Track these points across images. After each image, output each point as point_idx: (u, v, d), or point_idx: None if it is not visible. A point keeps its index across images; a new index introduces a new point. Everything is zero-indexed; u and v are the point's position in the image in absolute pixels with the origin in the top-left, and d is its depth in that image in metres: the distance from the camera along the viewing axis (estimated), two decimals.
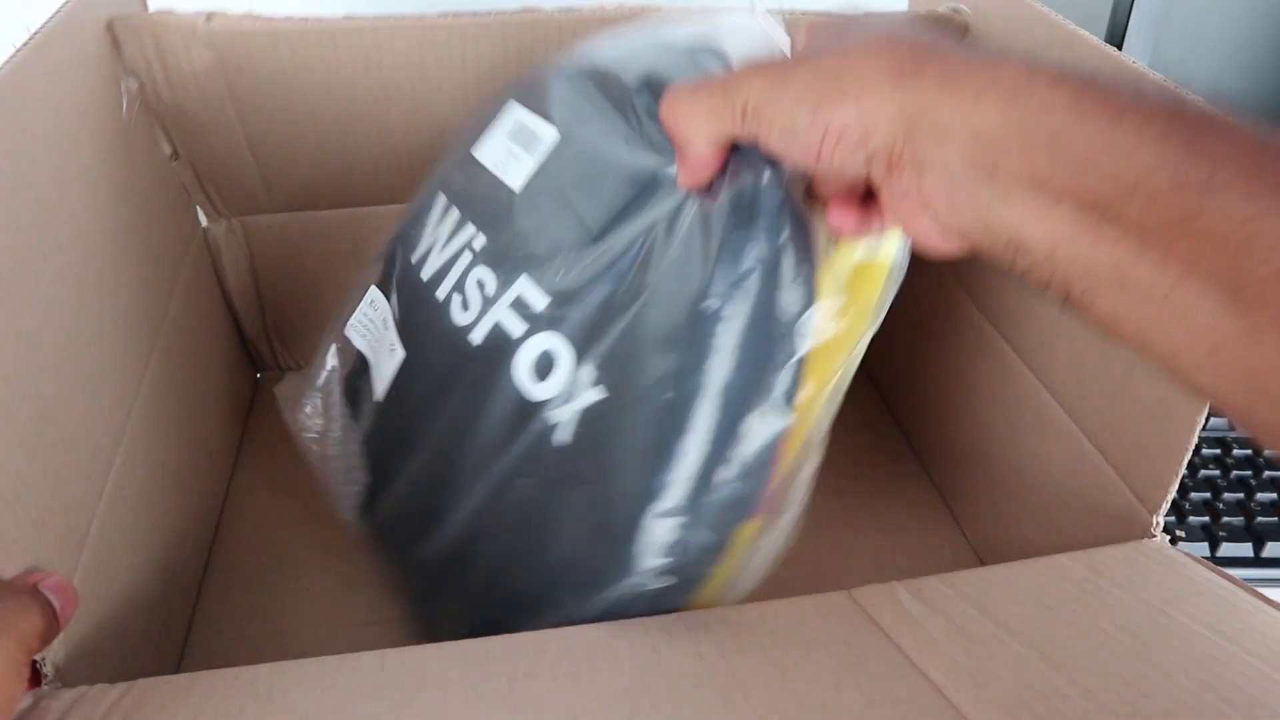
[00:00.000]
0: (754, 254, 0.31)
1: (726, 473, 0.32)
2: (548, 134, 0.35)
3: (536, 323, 0.33)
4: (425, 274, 0.38)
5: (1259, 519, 0.49)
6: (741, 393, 0.32)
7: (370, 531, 0.43)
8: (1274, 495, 0.50)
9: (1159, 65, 0.33)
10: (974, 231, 0.24)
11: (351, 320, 0.41)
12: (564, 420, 0.33)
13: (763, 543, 0.36)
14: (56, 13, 0.39)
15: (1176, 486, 0.35)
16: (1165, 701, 0.25)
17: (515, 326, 0.34)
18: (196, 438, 0.48)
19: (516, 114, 0.37)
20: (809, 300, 0.31)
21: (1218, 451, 0.52)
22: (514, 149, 0.36)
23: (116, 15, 0.43)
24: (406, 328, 0.39)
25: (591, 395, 0.33)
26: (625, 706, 0.26)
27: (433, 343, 0.37)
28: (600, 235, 0.32)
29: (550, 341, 0.33)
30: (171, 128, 0.48)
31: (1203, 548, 0.48)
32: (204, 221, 0.54)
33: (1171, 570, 0.32)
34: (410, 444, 0.38)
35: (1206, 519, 0.49)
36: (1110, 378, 0.38)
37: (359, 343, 0.41)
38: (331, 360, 0.43)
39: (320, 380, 0.43)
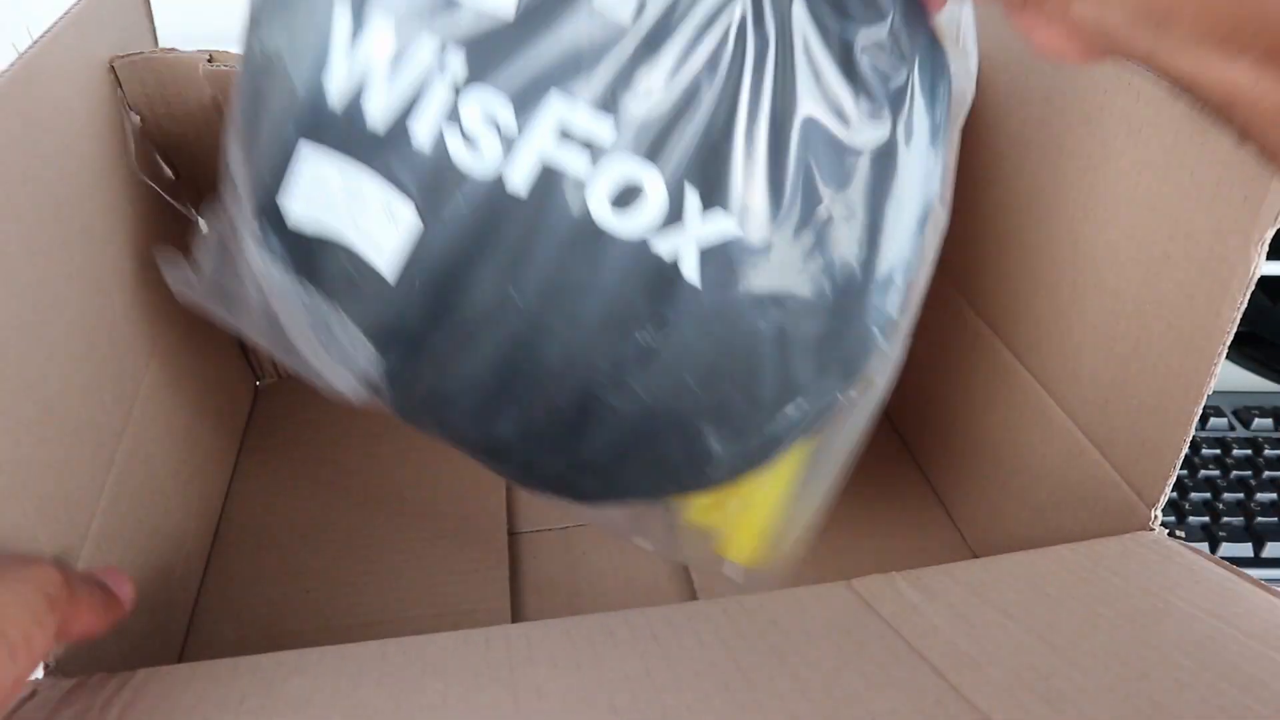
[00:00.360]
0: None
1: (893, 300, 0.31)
2: None
3: (603, 154, 0.29)
4: (375, 119, 0.31)
5: (1259, 519, 0.49)
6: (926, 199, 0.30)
7: (408, 407, 0.38)
8: (1274, 495, 0.50)
9: None
10: (1126, 61, 0.22)
11: (289, 195, 0.33)
12: (683, 254, 0.30)
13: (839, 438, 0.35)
14: (57, 21, 0.39)
15: (1174, 480, 0.35)
16: (1164, 680, 0.25)
17: (574, 164, 0.29)
18: (196, 439, 0.49)
19: None
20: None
21: (1218, 451, 0.53)
22: None
23: (117, 55, 0.43)
24: (390, 178, 0.32)
25: (719, 227, 0.30)
26: (626, 691, 0.26)
27: (452, 202, 0.31)
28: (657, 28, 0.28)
29: (629, 170, 0.29)
30: (174, 155, 0.48)
31: (1203, 548, 0.48)
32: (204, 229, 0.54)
33: (1170, 560, 0.32)
34: (457, 320, 0.33)
35: (1206, 519, 0.49)
36: (1107, 374, 0.38)
37: (306, 218, 0.33)
38: (256, 244, 0.35)
39: (255, 269, 0.36)
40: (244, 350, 0.59)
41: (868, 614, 0.30)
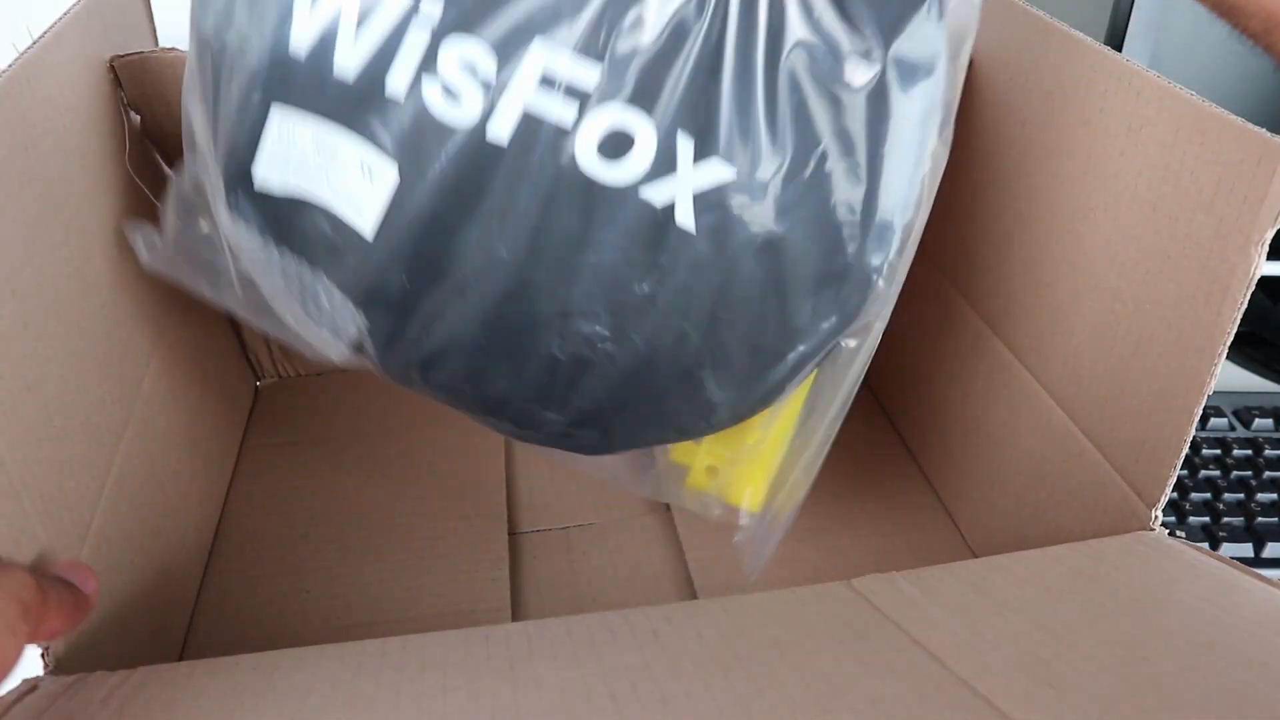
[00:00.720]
0: None
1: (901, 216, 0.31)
2: None
3: (589, 101, 0.28)
4: (345, 72, 0.29)
5: (1259, 519, 0.49)
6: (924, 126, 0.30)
7: (396, 368, 0.37)
8: (1274, 495, 0.50)
9: (1159, 66, 0.34)
10: None
11: (260, 159, 0.32)
12: (677, 201, 0.29)
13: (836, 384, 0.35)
14: (57, 21, 0.39)
15: (1174, 480, 0.35)
16: (1165, 663, 0.25)
17: (558, 111, 0.29)
18: (197, 440, 0.49)
19: None
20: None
21: (1218, 452, 0.53)
22: None
23: (117, 55, 0.43)
24: (367, 135, 0.31)
25: (713, 173, 0.29)
26: (626, 681, 0.26)
27: (432, 156, 0.30)
28: None
29: (616, 117, 0.29)
30: (174, 154, 0.48)
31: (1203, 548, 0.48)
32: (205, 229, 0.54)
33: (1170, 556, 0.32)
34: (442, 277, 0.32)
35: (1206, 519, 0.49)
36: (1107, 374, 0.38)
37: (280, 184, 0.32)
38: (228, 211, 0.34)
39: (228, 236, 0.35)
40: (244, 350, 0.60)
41: (867, 609, 0.30)
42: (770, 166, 0.30)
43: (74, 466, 0.34)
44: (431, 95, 0.29)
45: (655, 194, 0.29)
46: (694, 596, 0.45)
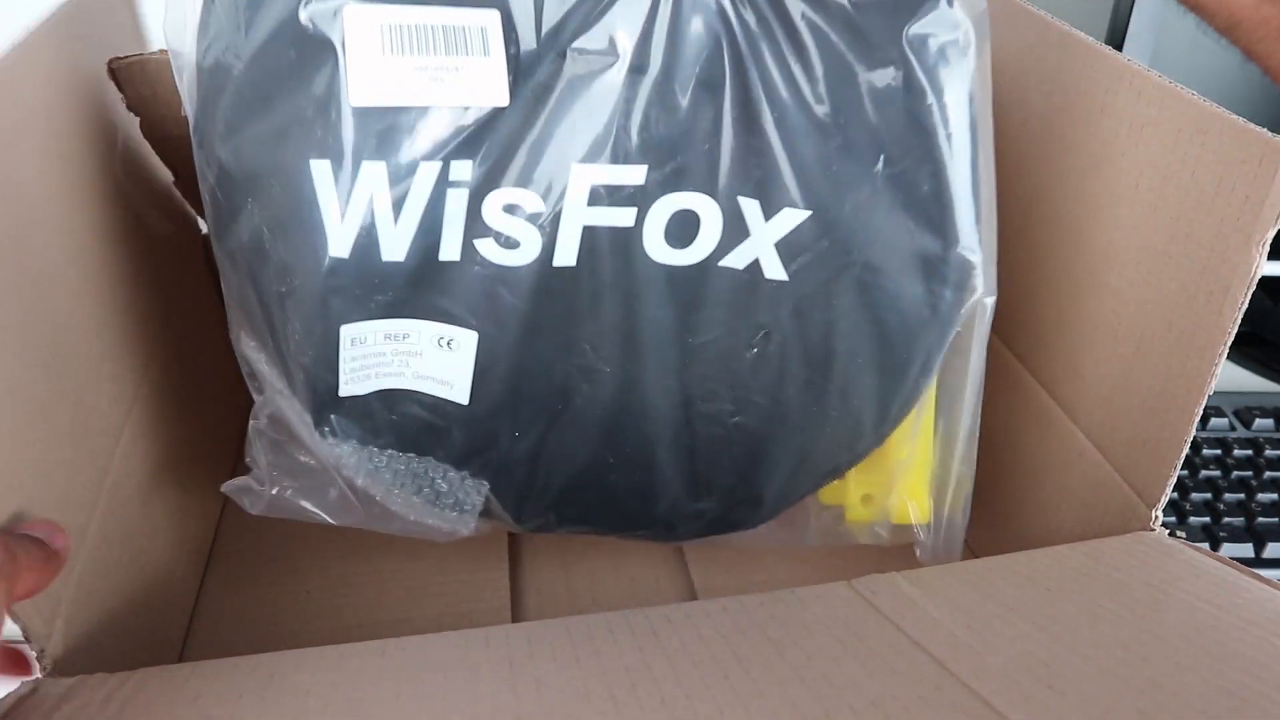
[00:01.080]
0: None
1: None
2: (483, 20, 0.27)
3: (644, 197, 0.28)
4: (395, 255, 0.29)
5: (1259, 519, 0.49)
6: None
7: (532, 518, 0.37)
8: (1274, 495, 0.50)
9: (1159, 65, 0.34)
10: None
11: (343, 379, 0.32)
12: (761, 258, 0.29)
13: None
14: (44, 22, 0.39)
15: (1175, 480, 0.35)
16: (1165, 664, 0.25)
17: (616, 218, 0.29)
18: (195, 441, 0.49)
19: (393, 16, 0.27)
20: None
21: (1218, 452, 0.52)
22: (437, 64, 0.27)
23: (117, 57, 0.43)
24: (436, 315, 0.31)
25: (789, 220, 0.29)
26: (626, 682, 0.26)
27: (505, 304, 0.30)
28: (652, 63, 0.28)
29: (674, 203, 0.29)
30: (172, 155, 0.48)
31: (1203, 548, 0.48)
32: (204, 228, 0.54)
33: (1170, 556, 0.32)
34: (549, 414, 0.32)
35: (1207, 519, 0.49)
36: (1108, 374, 0.38)
37: (365, 389, 0.33)
38: (338, 441, 0.34)
39: (324, 458, 0.35)
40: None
41: (867, 609, 0.30)
42: (840, 191, 0.30)
43: (68, 470, 0.34)
44: (488, 250, 0.29)
45: (735, 260, 0.29)
46: (694, 598, 0.45)
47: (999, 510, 0.46)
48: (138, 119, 0.45)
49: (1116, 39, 0.68)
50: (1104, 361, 0.38)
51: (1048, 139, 0.40)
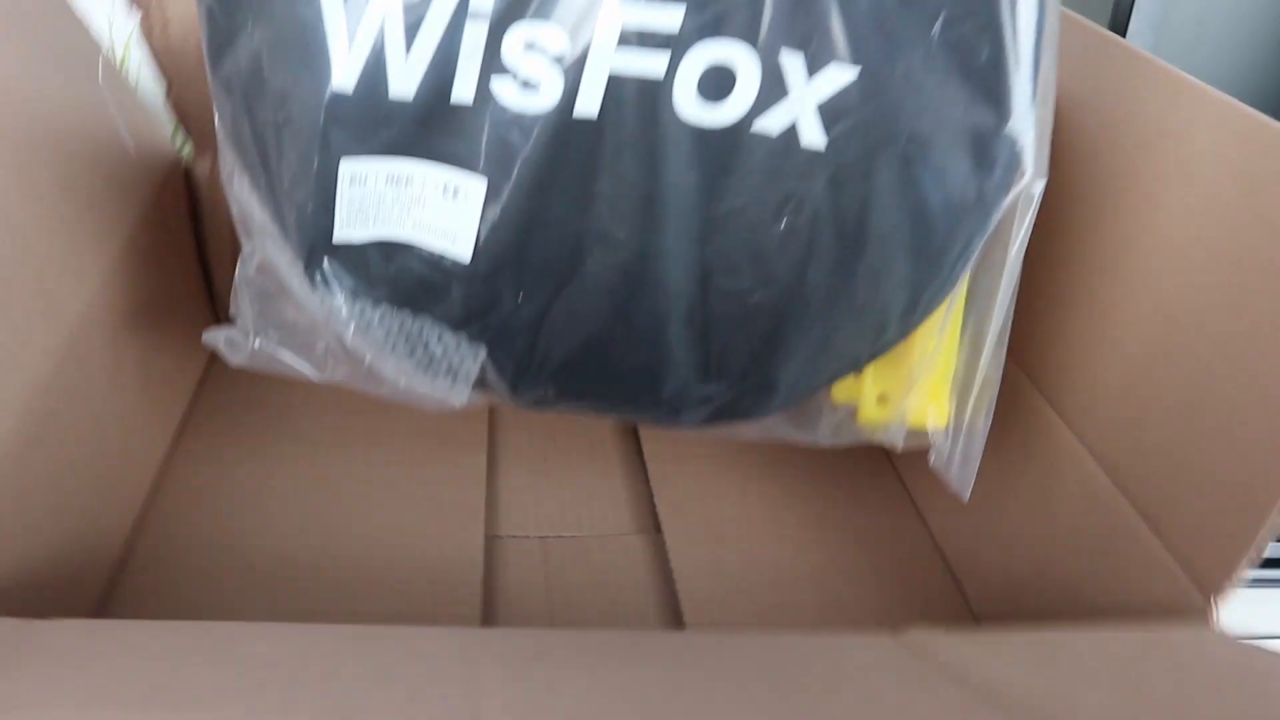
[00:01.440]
0: None
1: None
2: None
3: (679, 43, 0.26)
4: (403, 93, 0.27)
5: None
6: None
7: (526, 392, 0.34)
8: None
9: None
10: None
11: (339, 221, 0.30)
12: (799, 121, 0.27)
13: None
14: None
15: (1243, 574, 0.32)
16: None
17: (646, 65, 0.26)
18: (144, 383, 0.43)
19: None
20: None
21: None
22: None
23: None
24: (444, 157, 0.28)
25: (834, 79, 0.26)
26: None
27: (518, 153, 0.28)
28: None
29: (711, 53, 0.26)
30: (168, 65, 0.44)
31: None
32: (188, 154, 0.50)
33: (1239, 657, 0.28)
34: (557, 278, 0.30)
35: None
36: (1167, 445, 0.35)
37: (362, 234, 0.30)
38: (330, 291, 0.32)
39: (314, 311, 0.33)
40: (211, 295, 0.54)
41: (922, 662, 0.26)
42: (893, 51, 0.27)
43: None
44: (505, 91, 0.27)
45: (770, 123, 0.27)
46: (680, 626, 0.41)
47: (1014, 576, 0.43)
48: (142, 15, 0.40)
49: (1117, 34, 0.68)
50: (1162, 430, 0.35)
51: (1113, 169, 0.37)
